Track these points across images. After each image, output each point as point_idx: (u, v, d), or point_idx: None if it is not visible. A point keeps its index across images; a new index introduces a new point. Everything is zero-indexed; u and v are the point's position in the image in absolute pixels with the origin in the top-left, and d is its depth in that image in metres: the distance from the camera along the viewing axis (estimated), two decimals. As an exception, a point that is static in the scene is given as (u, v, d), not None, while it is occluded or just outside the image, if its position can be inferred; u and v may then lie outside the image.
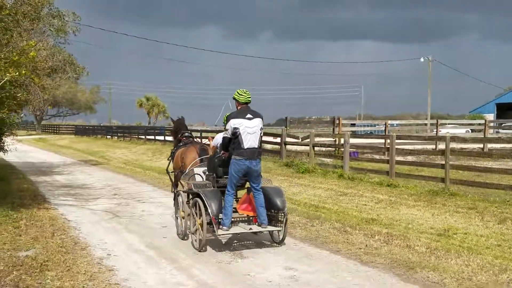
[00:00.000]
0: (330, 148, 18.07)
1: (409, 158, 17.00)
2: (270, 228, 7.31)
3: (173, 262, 6.46)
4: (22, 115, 12.07)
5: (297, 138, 18.34)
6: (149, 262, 6.48)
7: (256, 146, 7.20)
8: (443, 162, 12.29)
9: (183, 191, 8.05)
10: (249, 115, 7.19)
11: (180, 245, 7.36)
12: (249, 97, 7.36)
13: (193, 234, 7.28)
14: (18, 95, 10.16)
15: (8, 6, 11.48)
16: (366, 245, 7.29)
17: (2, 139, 15.19)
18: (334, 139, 20.16)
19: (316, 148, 17.12)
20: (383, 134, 23.96)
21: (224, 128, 7.59)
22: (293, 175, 15.63)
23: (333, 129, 20.90)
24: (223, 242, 7.40)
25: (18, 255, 6.44)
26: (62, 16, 20.03)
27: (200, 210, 7.00)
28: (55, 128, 71.12)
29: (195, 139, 9.63)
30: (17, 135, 16.06)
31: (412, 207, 10.47)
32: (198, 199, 7.12)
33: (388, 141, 15.24)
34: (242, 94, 7.36)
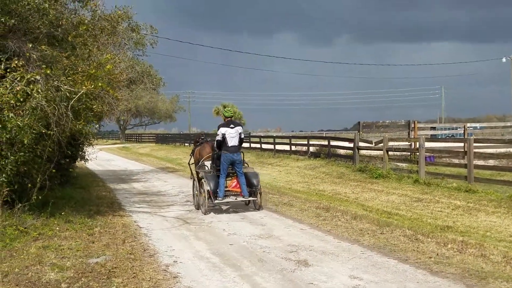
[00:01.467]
0: (405, 153, 17.50)
1: (491, 162, 16.12)
2: (250, 198, 11.07)
3: (237, 270, 6.45)
4: (97, 125, 12.63)
5: (371, 142, 17.92)
6: (213, 269, 6.51)
7: (236, 145, 11.01)
8: (527, 166, 11.53)
9: (198, 177, 11.81)
10: (231, 125, 11.06)
11: (245, 252, 7.35)
12: (232, 113, 11.61)
13: (201, 205, 11.02)
14: (94, 106, 10.61)
15: (86, 21, 12.06)
16: (437, 254, 6.94)
17: (83, 148, 15.95)
18: (409, 143, 19.50)
19: (390, 153, 16.65)
20: (462, 137, 22.90)
21: (216, 134, 11.22)
22: (366, 181, 15.27)
23: (409, 133, 20.21)
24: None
25: (88, 262, 6.67)
26: (139, 30, 20.83)
27: (203, 187, 10.89)
28: (137, 137, 74.15)
29: (207, 141, 12.86)
30: (93, 145, 16.83)
31: (491, 214, 9.91)
32: (203, 181, 11.02)
33: (467, 144, 14.54)
34: (227, 111, 11.60)
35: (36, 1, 9.33)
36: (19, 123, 8.15)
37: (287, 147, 25.60)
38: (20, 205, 8.69)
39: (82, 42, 11.36)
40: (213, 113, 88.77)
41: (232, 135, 10.91)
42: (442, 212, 10.47)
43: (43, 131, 8.62)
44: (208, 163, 11.59)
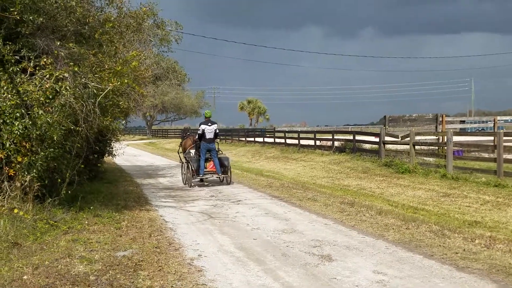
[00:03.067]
0: (432, 147, 17.29)
1: (522, 156, 15.80)
2: (222, 175, 15.27)
3: (261, 264, 6.50)
4: (124, 122, 12.90)
5: (397, 137, 17.75)
6: (237, 263, 6.57)
7: (212, 137, 15.07)
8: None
9: (185, 161, 15.79)
10: (209, 124, 15.13)
11: (269, 247, 7.39)
12: (210, 115, 15.47)
13: (187, 181, 15.27)
14: (120, 103, 10.78)
15: (112, 19, 12.22)
16: (464, 250, 6.88)
17: (111, 144, 16.23)
18: (437, 137, 19.25)
19: (417, 147, 16.47)
20: (492, 131, 22.50)
21: (198, 129, 15.30)
22: (392, 175, 15.16)
23: (436, 126, 19.93)
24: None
25: (116, 255, 6.81)
26: (164, 26, 20.99)
27: (188, 168, 15.13)
28: (164, 133, 74.87)
29: (190, 135, 17.01)
30: (120, 141, 17.15)
31: (520, 209, 9.74)
32: (189, 163, 15.19)
33: (496, 138, 14.31)
34: (206, 113, 15.62)
35: (64, -1, 9.52)
36: (48, 119, 8.35)
37: (311, 142, 25.52)
38: (50, 199, 8.90)
39: (109, 39, 11.53)
40: (238, 108, 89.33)
41: (209, 131, 15.05)
42: (470, 207, 10.34)
43: (72, 127, 8.82)
44: (192, 151, 15.88)
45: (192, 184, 14.95)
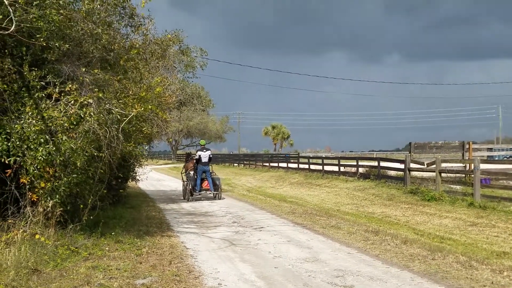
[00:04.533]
0: (459, 175, 16.95)
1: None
2: (214, 192, 18.80)
3: (282, 294, 6.35)
4: (147, 147, 13.00)
5: (422, 164, 17.44)
6: (257, 293, 6.44)
7: (207, 161, 18.76)
8: None
9: (185, 180, 19.52)
10: (204, 150, 18.92)
11: (290, 276, 7.23)
12: (205, 143, 19.92)
13: (186, 197, 18.86)
14: (143, 128, 10.83)
15: (137, 45, 12.38)
16: (492, 282, 6.63)
17: (134, 169, 16.33)
18: (463, 165, 18.88)
19: (443, 175, 16.15)
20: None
21: (195, 154, 19.24)
22: (418, 203, 14.85)
23: (463, 154, 19.58)
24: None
25: (135, 283, 6.74)
26: (189, 53, 21.21)
27: (188, 186, 18.77)
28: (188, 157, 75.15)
29: (193, 158, 20.32)
30: (143, 166, 17.38)
31: (552, 240, 9.40)
32: (188, 182, 18.91)
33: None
34: (201, 142, 19.98)
35: (90, 27, 9.67)
36: (72, 145, 8.42)
37: (335, 168, 25.30)
38: (72, 225, 8.91)
39: (134, 65, 11.66)
40: (262, 133, 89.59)
41: (204, 156, 18.80)
42: (498, 237, 10.03)
43: (95, 153, 8.86)
44: (191, 172, 19.46)
45: (190, 199, 18.66)
